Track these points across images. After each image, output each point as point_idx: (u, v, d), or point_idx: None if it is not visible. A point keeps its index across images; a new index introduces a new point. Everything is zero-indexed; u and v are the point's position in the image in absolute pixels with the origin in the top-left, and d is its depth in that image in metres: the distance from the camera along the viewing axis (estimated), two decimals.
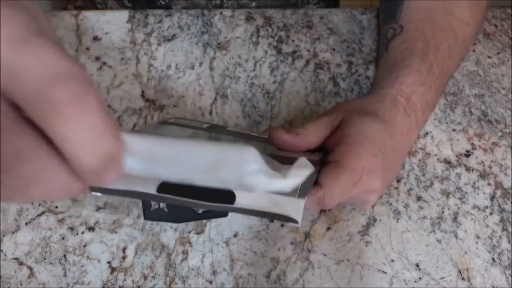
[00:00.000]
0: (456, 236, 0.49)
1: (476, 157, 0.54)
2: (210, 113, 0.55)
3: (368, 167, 0.39)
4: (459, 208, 0.51)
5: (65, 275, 0.46)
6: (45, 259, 0.46)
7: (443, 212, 0.50)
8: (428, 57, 0.47)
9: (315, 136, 0.42)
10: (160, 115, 0.54)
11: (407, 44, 0.49)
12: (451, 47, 0.48)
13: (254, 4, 0.66)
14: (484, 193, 0.52)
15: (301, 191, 0.34)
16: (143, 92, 0.56)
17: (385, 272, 0.47)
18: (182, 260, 0.47)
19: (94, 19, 0.60)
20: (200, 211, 0.40)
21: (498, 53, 0.60)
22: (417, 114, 0.45)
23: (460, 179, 0.52)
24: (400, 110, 0.44)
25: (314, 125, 0.42)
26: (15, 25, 0.23)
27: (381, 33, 0.55)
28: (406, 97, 0.45)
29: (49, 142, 0.24)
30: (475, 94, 0.57)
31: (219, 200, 0.34)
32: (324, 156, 0.42)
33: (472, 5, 0.50)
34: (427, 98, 0.46)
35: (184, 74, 0.57)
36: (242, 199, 0.34)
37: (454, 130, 0.55)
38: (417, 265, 0.47)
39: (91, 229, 0.48)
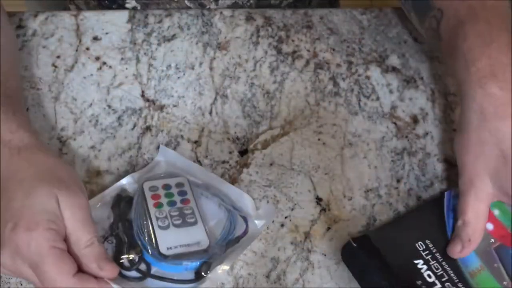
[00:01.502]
0: None
1: None
2: (210, 113, 0.55)
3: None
4: None
5: None
6: None
7: None
8: (478, 14, 0.45)
9: (481, 225, 0.43)
10: (160, 115, 0.54)
11: (453, 21, 0.47)
12: None
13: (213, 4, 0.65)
14: None
15: None
16: (143, 92, 0.56)
17: None
18: None
19: (94, 19, 0.60)
20: None
21: None
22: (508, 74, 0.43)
23: None
24: (494, 96, 0.42)
25: (472, 214, 0.43)
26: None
27: (425, 32, 0.54)
28: (488, 74, 0.43)
29: None
30: None
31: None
32: None
33: None
34: (506, 45, 0.44)
35: (184, 74, 0.57)
36: None
37: (454, 130, 0.55)
38: None
39: None
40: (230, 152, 0.53)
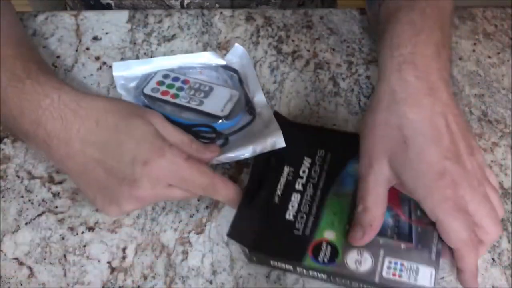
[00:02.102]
0: None
1: None
2: None
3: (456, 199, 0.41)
4: None
5: (65, 275, 0.46)
6: (45, 259, 0.46)
7: None
8: (416, 3, 0.46)
9: (381, 210, 0.43)
10: None
11: (393, 6, 0.48)
12: None
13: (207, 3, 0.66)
14: None
15: None
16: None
17: None
18: (182, 260, 0.47)
19: (94, 19, 0.60)
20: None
21: (498, 53, 0.60)
22: (432, 70, 0.43)
23: None
24: (412, 84, 0.43)
25: (372, 200, 0.43)
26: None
27: (370, 17, 0.55)
28: (409, 61, 0.43)
29: None
30: (475, 94, 0.57)
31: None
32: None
33: None
34: (435, 40, 0.44)
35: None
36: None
37: None
38: None
39: (91, 229, 0.48)
40: None
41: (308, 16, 0.62)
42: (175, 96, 0.52)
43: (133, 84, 0.55)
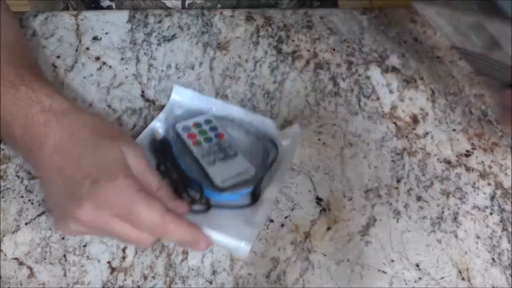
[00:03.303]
0: (456, 236, 0.49)
1: (476, 157, 0.54)
2: None
3: None
4: (459, 208, 0.51)
5: (65, 275, 0.46)
6: (45, 259, 0.46)
7: (443, 212, 0.50)
8: None
9: None
10: None
11: None
12: None
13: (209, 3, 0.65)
14: (484, 193, 0.52)
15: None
16: (143, 92, 0.56)
17: (385, 272, 0.47)
18: (182, 260, 0.47)
19: (94, 19, 0.60)
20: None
21: None
22: None
23: (460, 179, 0.52)
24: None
25: None
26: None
27: None
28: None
29: None
30: (475, 94, 0.57)
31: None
32: None
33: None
34: None
35: (184, 74, 0.57)
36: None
37: (454, 130, 0.55)
38: (417, 265, 0.47)
39: None
40: None
41: (308, 16, 0.62)
42: (197, 143, 0.50)
43: (180, 112, 0.53)
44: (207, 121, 0.52)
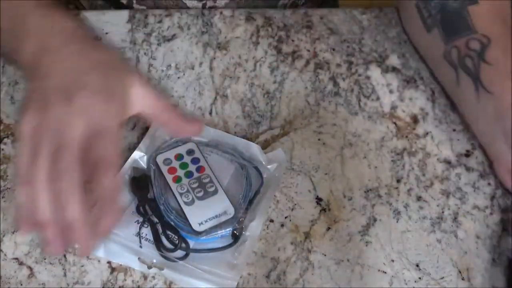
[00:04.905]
0: (456, 236, 0.49)
1: (476, 157, 0.54)
2: (210, 113, 0.55)
3: None
4: (459, 208, 0.51)
5: (65, 275, 0.46)
6: (45, 259, 0.46)
7: (443, 212, 0.50)
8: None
9: None
10: None
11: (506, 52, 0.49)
12: None
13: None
14: (484, 193, 0.52)
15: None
16: None
17: (385, 272, 0.47)
18: None
19: (94, 19, 0.60)
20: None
21: None
22: None
23: (460, 179, 0.52)
24: None
25: None
26: None
27: (447, 51, 0.53)
28: None
29: None
30: None
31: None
32: None
33: None
34: None
35: (184, 74, 0.57)
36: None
37: (454, 130, 0.55)
38: (417, 265, 0.47)
39: None
40: None
41: (308, 16, 0.62)
42: (177, 180, 0.48)
43: (161, 140, 0.52)
44: (189, 152, 0.50)
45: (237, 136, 0.53)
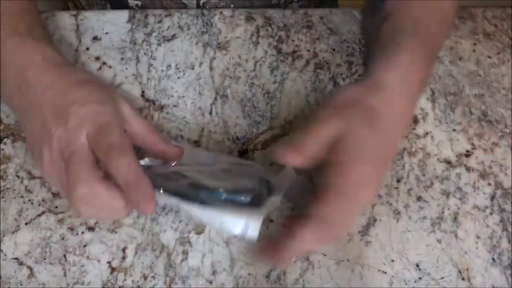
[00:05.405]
0: (456, 236, 0.49)
1: (476, 157, 0.54)
2: (210, 113, 0.55)
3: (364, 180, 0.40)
4: (459, 208, 0.51)
5: (65, 275, 0.46)
6: (45, 259, 0.46)
7: (443, 212, 0.51)
8: (418, 35, 0.47)
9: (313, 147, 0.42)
10: (160, 115, 0.55)
11: (397, 25, 0.49)
12: (441, 22, 0.49)
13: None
14: (484, 193, 0.52)
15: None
16: (143, 92, 0.56)
17: (385, 272, 0.47)
18: (182, 260, 0.47)
19: (94, 19, 0.60)
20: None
21: (498, 53, 0.60)
22: (412, 94, 0.45)
23: (460, 179, 0.52)
24: (396, 92, 0.43)
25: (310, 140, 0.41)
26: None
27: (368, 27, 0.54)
28: (400, 78, 0.44)
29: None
30: (475, 94, 0.57)
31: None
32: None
33: None
34: (421, 75, 0.46)
35: (184, 74, 0.57)
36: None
37: (454, 130, 0.55)
38: (417, 265, 0.48)
39: (91, 229, 0.48)
40: (230, 152, 0.53)
41: (308, 16, 0.62)
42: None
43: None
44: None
45: (237, 136, 0.53)
